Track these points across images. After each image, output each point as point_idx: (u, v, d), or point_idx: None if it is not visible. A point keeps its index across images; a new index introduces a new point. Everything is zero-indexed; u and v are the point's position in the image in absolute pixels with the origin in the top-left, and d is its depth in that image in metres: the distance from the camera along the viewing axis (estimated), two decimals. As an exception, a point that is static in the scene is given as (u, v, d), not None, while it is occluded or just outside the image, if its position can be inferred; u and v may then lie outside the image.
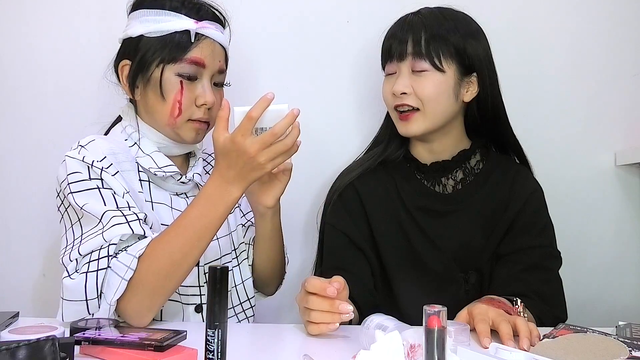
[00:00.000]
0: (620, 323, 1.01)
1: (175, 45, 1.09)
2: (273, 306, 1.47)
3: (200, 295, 1.14)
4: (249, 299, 1.24)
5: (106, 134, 1.20)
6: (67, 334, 0.89)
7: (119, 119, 1.20)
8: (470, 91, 1.23)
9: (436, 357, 0.64)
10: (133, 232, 0.99)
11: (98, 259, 0.97)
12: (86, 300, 0.96)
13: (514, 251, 1.19)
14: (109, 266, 0.97)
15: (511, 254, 1.19)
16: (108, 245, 0.97)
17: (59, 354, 0.70)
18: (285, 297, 1.50)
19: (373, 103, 1.47)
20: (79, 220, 1.02)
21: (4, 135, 1.52)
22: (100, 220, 0.99)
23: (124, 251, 0.98)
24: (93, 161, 1.03)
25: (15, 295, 1.52)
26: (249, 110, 0.97)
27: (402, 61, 1.21)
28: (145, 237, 1.00)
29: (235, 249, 1.23)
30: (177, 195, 1.17)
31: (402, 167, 1.30)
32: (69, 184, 1.02)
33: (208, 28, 1.12)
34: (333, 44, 1.55)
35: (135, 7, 1.14)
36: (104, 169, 1.03)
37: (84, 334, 0.85)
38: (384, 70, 1.28)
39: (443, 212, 1.24)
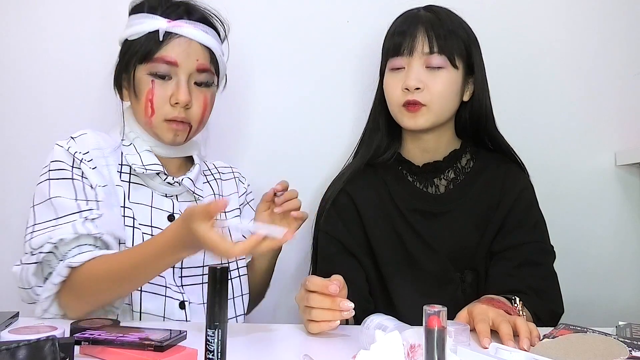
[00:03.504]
0: (620, 323, 1.01)
1: (145, 45, 1.12)
2: (270, 307, 1.47)
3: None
4: (236, 317, 1.23)
5: None
6: (67, 334, 0.89)
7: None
8: (469, 91, 1.25)
9: (436, 357, 0.64)
10: (79, 235, 1.02)
11: (39, 254, 1.02)
12: (25, 289, 1.05)
13: (507, 248, 1.20)
14: (44, 262, 1.03)
15: (504, 251, 1.20)
16: (52, 245, 1.02)
17: (59, 354, 0.70)
18: (283, 298, 1.50)
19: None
20: (42, 204, 1.07)
21: (4, 135, 1.52)
22: (57, 216, 1.04)
23: (65, 255, 1.03)
24: (76, 152, 1.10)
25: (15, 295, 1.51)
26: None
27: (413, 56, 1.20)
28: (95, 236, 1.04)
29: (237, 260, 1.24)
30: (166, 196, 1.18)
31: (393, 169, 1.29)
32: (49, 170, 1.09)
33: (182, 27, 1.13)
34: (333, 44, 1.55)
35: (129, 13, 1.19)
36: (84, 160, 1.09)
37: (83, 334, 0.85)
38: (384, 65, 1.27)
39: (436, 213, 1.24)
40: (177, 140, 1.16)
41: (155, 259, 0.98)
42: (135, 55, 1.13)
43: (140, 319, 1.09)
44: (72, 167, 1.10)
